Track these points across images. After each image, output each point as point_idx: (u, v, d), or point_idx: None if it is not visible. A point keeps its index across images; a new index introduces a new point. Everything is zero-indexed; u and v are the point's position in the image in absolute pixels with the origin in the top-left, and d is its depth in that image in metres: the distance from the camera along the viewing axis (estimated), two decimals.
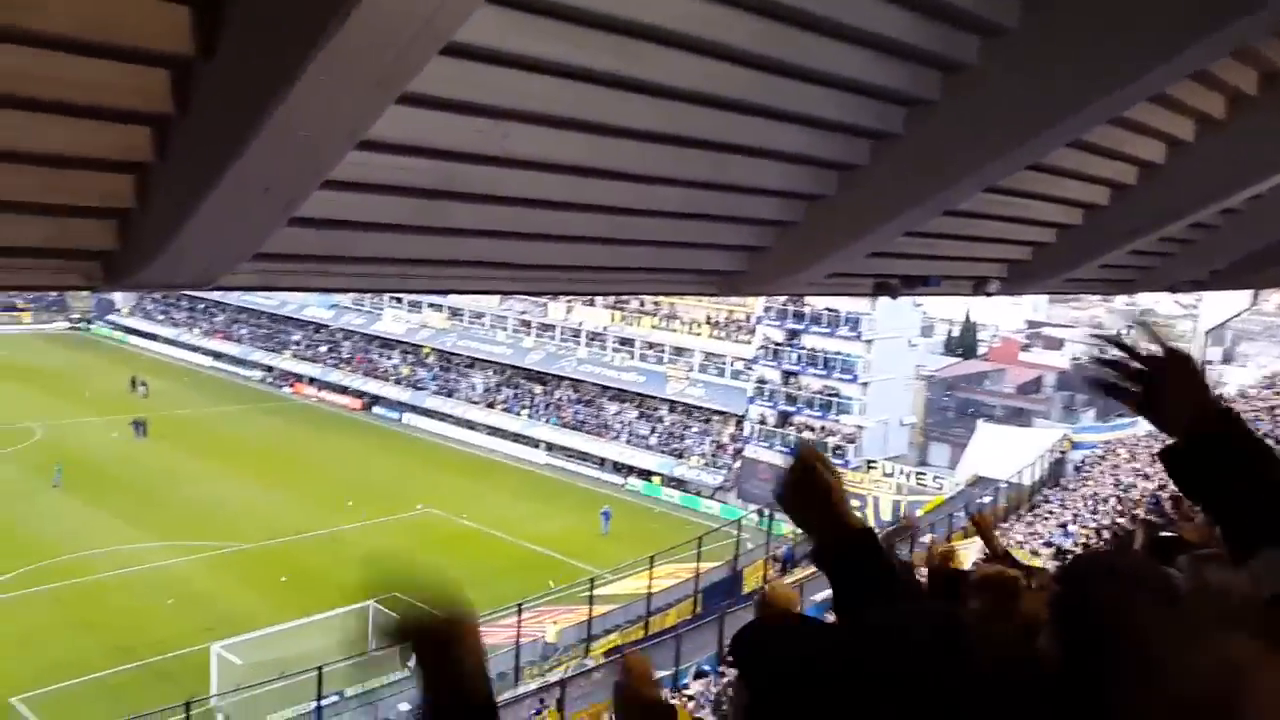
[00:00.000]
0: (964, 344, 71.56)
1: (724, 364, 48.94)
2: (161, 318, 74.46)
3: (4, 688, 22.29)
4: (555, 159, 4.06)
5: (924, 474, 42.90)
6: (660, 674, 17.11)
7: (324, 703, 18.67)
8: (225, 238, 3.26)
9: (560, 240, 4.73)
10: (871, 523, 23.96)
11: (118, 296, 75.73)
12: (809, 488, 1.78)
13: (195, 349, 68.76)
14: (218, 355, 67.20)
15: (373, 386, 58.65)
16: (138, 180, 3.20)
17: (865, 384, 43.87)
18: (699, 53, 3.75)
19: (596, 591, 25.30)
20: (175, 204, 3.07)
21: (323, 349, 63.76)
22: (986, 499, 30.78)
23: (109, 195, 3.25)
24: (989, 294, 7.37)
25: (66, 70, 2.73)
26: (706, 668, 19.73)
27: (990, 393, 61.11)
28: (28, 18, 2.54)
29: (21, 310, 76.18)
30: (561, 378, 53.32)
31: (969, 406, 56.25)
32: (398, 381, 58.40)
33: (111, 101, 2.92)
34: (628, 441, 48.81)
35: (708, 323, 49.70)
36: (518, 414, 52.73)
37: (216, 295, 67.23)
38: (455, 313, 59.39)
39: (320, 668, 18.10)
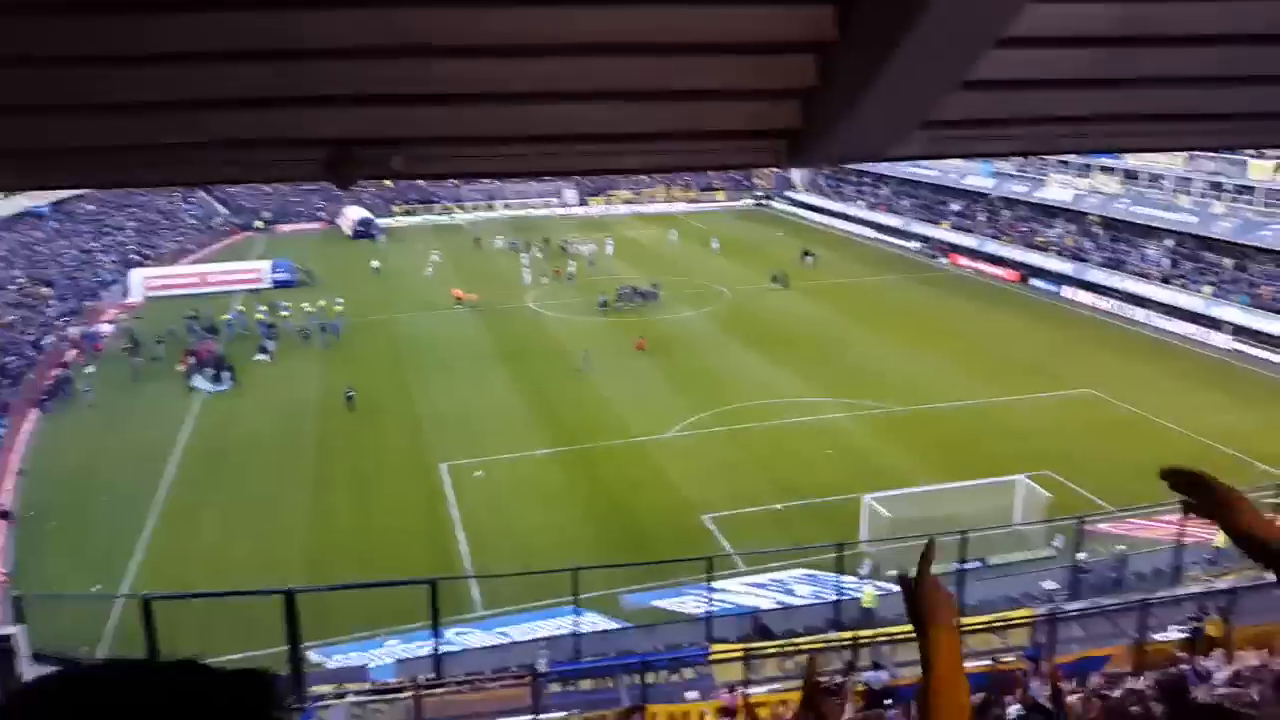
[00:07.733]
0: None
1: None
2: (831, 193, 79.88)
3: (698, 507, 26.99)
4: None
5: None
6: None
7: (966, 566, 19.13)
8: (899, 108, 3.33)
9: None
10: None
11: (794, 174, 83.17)
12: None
13: (860, 221, 72.67)
14: (880, 227, 70.19)
15: (1031, 258, 56.31)
16: (819, 60, 3.41)
17: None
18: None
19: None
20: (853, 79, 3.22)
21: (981, 219, 62.76)
22: None
23: (795, 76, 3.53)
24: None
25: None
26: None
27: None
28: None
29: (717, 189, 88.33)
30: (1259, 249, 45.33)
31: None
32: (1059, 252, 55.20)
33: None
34: None
35: None
36: (1198, 290, 46.41)
37: (883, 168, 69.99)
38: (1130, 176, 53.66)
39: (964, 532, 18.53)
